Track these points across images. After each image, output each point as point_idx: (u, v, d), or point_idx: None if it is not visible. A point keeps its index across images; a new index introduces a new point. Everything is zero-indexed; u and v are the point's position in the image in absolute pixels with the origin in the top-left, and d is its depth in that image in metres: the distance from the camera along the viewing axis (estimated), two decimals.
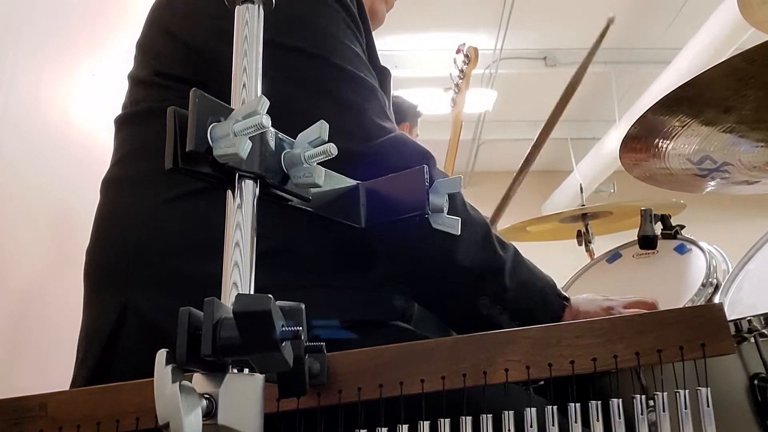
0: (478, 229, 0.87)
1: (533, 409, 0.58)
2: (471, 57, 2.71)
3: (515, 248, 0.91)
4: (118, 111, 0.97)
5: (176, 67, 0.89)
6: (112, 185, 0.92)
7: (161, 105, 0.89)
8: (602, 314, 0.91)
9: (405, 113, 2.87)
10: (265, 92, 0.47)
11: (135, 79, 0.95)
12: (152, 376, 0.63)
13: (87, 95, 1.65)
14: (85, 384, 0.81)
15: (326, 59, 0.84)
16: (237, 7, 0.49)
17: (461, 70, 2.75)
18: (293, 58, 0.84)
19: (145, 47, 0.95)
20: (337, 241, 0.83)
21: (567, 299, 0.92)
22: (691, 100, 0.88)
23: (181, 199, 0.83)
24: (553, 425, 0.56)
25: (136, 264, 0.83)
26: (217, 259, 0.76)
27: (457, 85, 2.78)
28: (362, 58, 0.90)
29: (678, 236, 1.38)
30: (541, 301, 0.88)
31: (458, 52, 2.75)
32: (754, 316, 0.72)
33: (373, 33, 0.99)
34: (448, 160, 2.82)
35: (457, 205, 0.85)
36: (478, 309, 0.85)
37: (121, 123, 0.95)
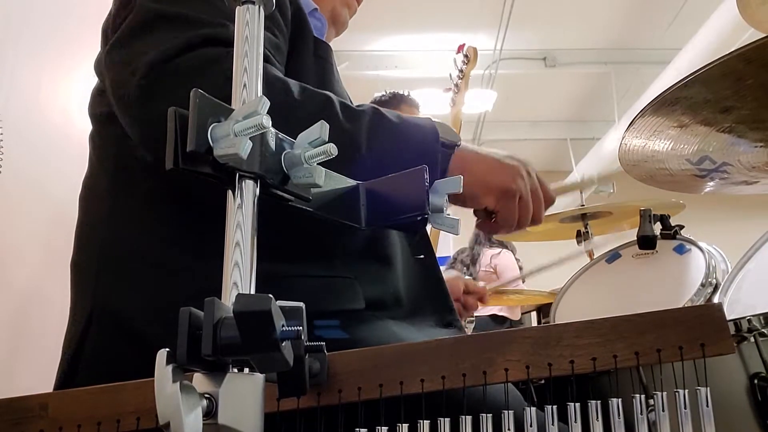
0: (309, 109, 0.76)
1: (533, 409, 0.58)
2: (470, 57, 2.71)
3: (372, 113, 0.81)
4: None
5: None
6: (79, 199, 0.94)
7: (102, 118, 0.91)
8: (503, 174, 0.84)
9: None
10: None
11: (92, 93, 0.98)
12: (119, 373, 0.64)
13: (87, 95, 1.65)
14: (60, 386, 0.82)
15: None
16: (237, 7, 0.50)
17: (461, 70, 2.75)
18: None
19: (95, 62, 0.98)
20: (291, 228, 0.75)
21: (454, 147, 0.83)
22: (690, 100, 0.89)
23: (131, 197, 0.84)
24: (552, 425, 0.57)
25: (102, 261, 0.84)
26: (184, 253, 0.77)
27: (456, 85, 2.78)
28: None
29: (677, 236, 1.38)
30: (417, 164, 0.69)
31: (458, 51, 2.75)
32: (753, 316, 0.73)
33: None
34: None
35: (278, 92, 0.74)
36: None
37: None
